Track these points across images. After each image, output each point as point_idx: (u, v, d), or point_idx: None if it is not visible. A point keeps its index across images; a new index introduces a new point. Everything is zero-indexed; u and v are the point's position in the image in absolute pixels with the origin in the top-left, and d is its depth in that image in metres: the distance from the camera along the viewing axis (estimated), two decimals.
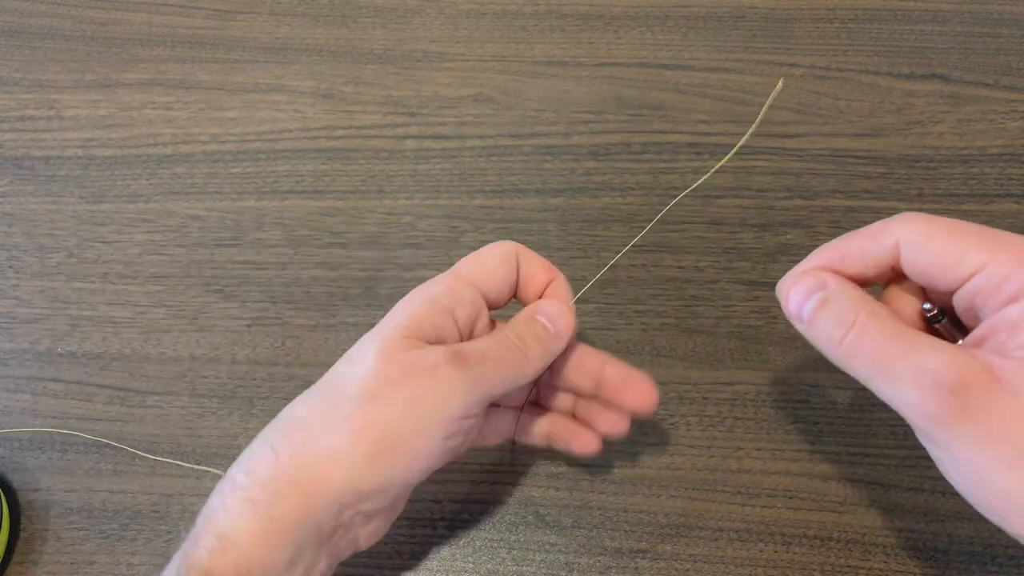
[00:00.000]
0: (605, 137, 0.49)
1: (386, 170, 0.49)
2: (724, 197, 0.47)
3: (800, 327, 0.30)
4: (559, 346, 0.34)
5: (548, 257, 0.45)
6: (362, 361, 0.31)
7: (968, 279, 0.27)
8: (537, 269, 0.35)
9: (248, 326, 0.46)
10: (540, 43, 0.52)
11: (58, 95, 0.52)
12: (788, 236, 0.46)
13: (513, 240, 0.35)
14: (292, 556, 0.29)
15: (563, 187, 0.48)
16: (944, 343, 0.27)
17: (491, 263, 0.34)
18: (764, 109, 0.32)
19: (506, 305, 0.36)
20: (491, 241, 0.47)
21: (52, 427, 0.43)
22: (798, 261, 0.45)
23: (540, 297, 0.36)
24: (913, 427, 0.27)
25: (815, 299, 0.29)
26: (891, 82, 0.50)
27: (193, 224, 0.48)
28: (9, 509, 0.41)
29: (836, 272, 0.30)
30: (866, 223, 0.30)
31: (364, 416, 0.30)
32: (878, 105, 0.50)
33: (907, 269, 0.29)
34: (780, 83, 0.31)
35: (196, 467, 0.42)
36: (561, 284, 0.36)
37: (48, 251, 0.48)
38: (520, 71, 0.51)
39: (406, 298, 0.33)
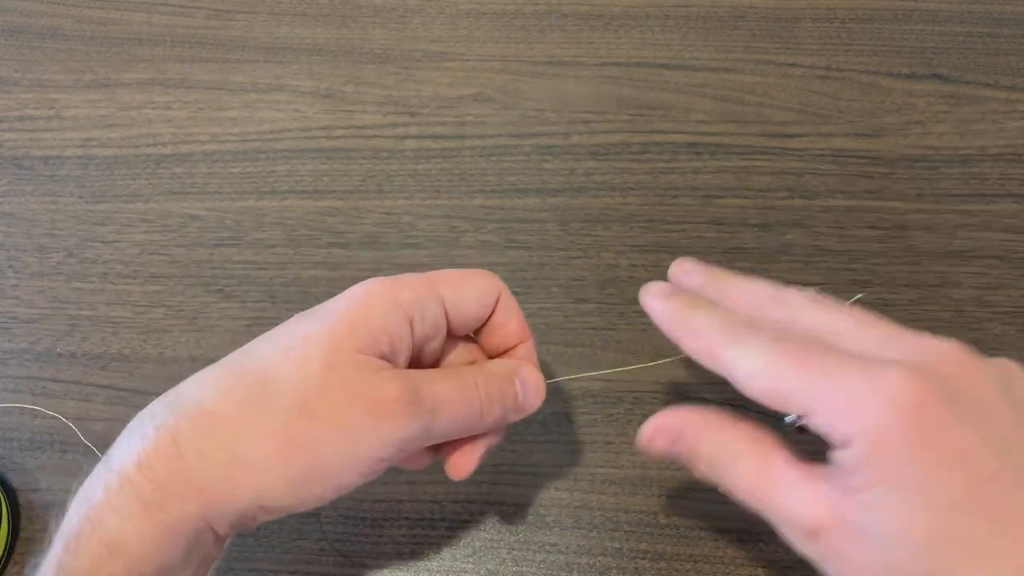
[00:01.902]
0: (605, 137, 0.49)
1: (386, 170, 0.49)
2: (724, 197, 0.47)
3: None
4: (515, 419, 0.31)
5: (548, 258, 0.46)
6: (302, 363, 0.28)
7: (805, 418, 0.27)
8: (511, 320, 0.32)
9: (248, 326, 0.46)
10: (540, 43, 0.52)
11: (58, 95, 0.52)
12: (788, 236, 0.46)
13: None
14: (186, 552, 0.27)
15: (563, 187, 0.48)
16: (806, 483, 0.27)
17: (470, 292, 0.31)
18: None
19: (459, 336, 0.33)
20: (491, 241, 0.47)
21: (51, 427, 0.43)
22: (798, 261, 0.46)
23: (504, 353, 0.32)
24: None
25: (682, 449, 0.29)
26: (891, 82, 0.50)
27: (193, 224, 0.48)
28: (9, 509, 0.41)
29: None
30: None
31: (293, 434, 0.27)
32: (878, 105, 0.50)
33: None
34: (861, 295, 0.30)
35: None
36: (533, 351, 0.33)
37: (48, 251, 0.48)
38: (520, 71, 0.51)
39: (366, 289, 0.29)
